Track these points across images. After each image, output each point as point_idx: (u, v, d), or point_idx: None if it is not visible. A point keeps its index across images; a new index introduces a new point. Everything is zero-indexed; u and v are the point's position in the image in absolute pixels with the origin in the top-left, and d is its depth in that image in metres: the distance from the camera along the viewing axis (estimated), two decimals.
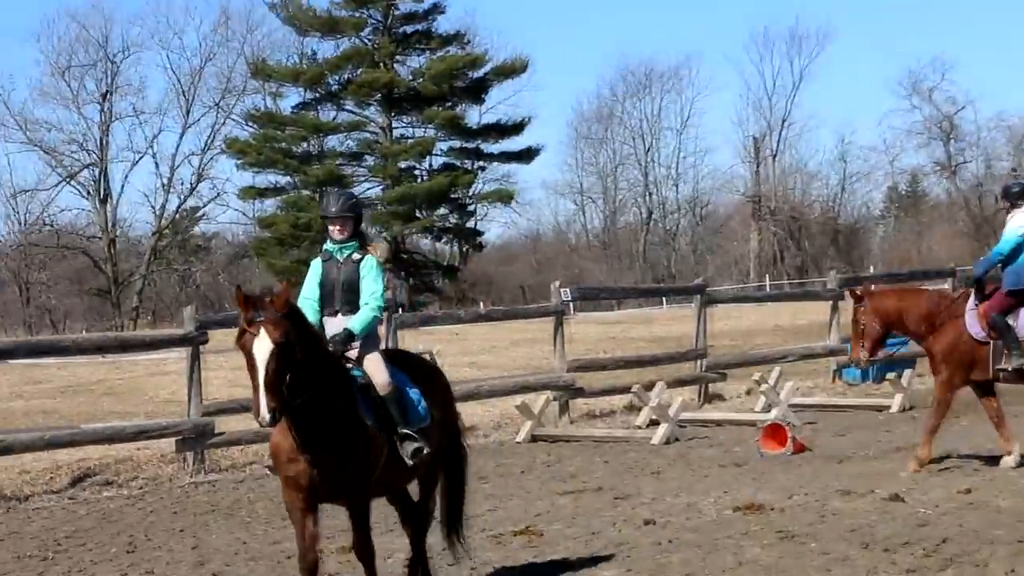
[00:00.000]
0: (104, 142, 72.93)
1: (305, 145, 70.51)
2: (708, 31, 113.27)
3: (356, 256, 8.54)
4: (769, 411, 17.16)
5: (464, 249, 73.18)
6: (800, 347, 23.27)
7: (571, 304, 20.54)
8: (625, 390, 18.69)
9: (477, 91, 70.00)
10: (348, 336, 8.21)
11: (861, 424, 17.18)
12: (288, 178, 69.83)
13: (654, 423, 16.94)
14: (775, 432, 14.90)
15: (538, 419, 17.19)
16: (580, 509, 11.81)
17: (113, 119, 73.32)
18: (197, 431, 15.40)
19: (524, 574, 9.26)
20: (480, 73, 69.45)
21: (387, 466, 8.05)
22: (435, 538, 9.00)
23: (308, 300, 8.50)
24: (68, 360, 32.21)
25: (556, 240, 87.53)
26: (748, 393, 20.21)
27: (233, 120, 74.15)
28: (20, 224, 74.89)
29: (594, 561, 9.52)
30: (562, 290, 19.75)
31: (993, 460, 13.09)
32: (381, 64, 67.84)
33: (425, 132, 69.28)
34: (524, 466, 14.79)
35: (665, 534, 10.37)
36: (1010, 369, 12.77)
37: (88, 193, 73.71)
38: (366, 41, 68.47)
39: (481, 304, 59.55)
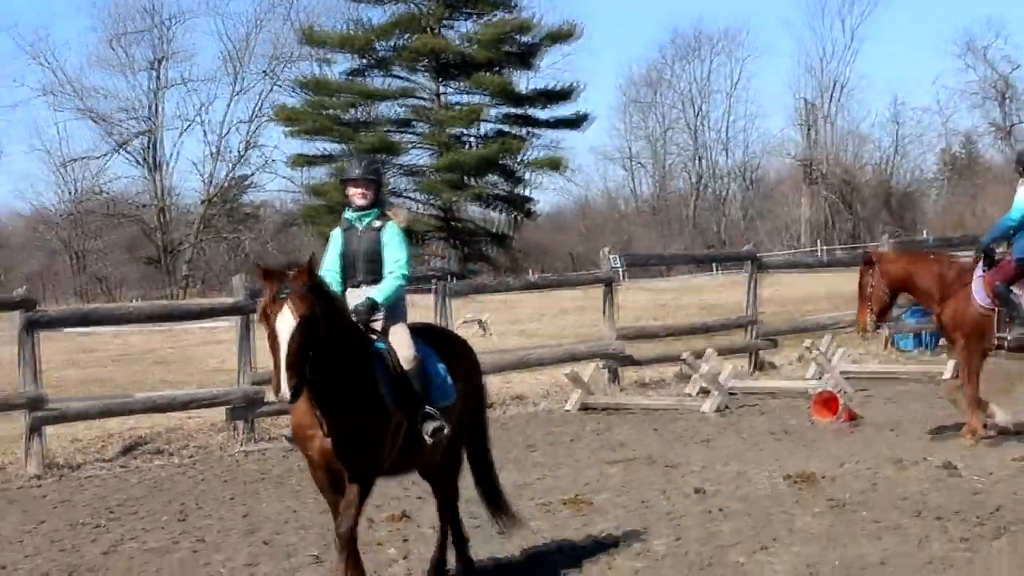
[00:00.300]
0: (155, 110, 73.42)
1: (354, 112, 70.62)
2: None
3: (377, 223, 8.26)
4: (820, 379, 17.07)
5: (515, 217, 73.12)
6: (852, 314, 23.10)
7: (621, 271, 20.48)
8: (675, 358, 18.63)
9: (527, 56, 69.80)
10: (372, 306, 7.95)
11: (914, 393, 17.06)
12: (338, 146, 69.94)
13: (704, 392, 16.88)
14: (826, 400, 14.82)
15: (587, 388, 17.17)
16: (630, 478, 11.80)
17: (165, 87, 73.74)
18: (247, 400, 15.48)
19: (573, 543, 9.26)
20: (530, 38, 69.28)
21: (406, 444, 7.76)
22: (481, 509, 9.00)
23: (330, 272, 8.19)
24: (121, 329, 32.49)
25: (606, 207, 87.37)
26: (799, 361, 20.10)
27: (282, 87, 74.45)
28: (71, 193, 75.50)
29: (644, 530, 9.52)
30: (611, 257, 19.70)
31: None
32: (430, 29, 67.79)
33: (475, 99, 69.24)
34: (573, 435, 14.79)
35: (715, 503, 10.35)
36: (1010, 339, 12.64)
37: (140, 161, 74.24)
38: (416, 6, 68.39)
39: (531, 272, 59.53)
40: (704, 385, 16.99)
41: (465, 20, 69.59)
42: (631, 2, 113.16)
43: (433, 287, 17.66)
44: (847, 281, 40.08)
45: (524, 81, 72.15)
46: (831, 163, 78.93)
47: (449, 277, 18.10)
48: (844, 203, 78.27)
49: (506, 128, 70.15)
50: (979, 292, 12.73)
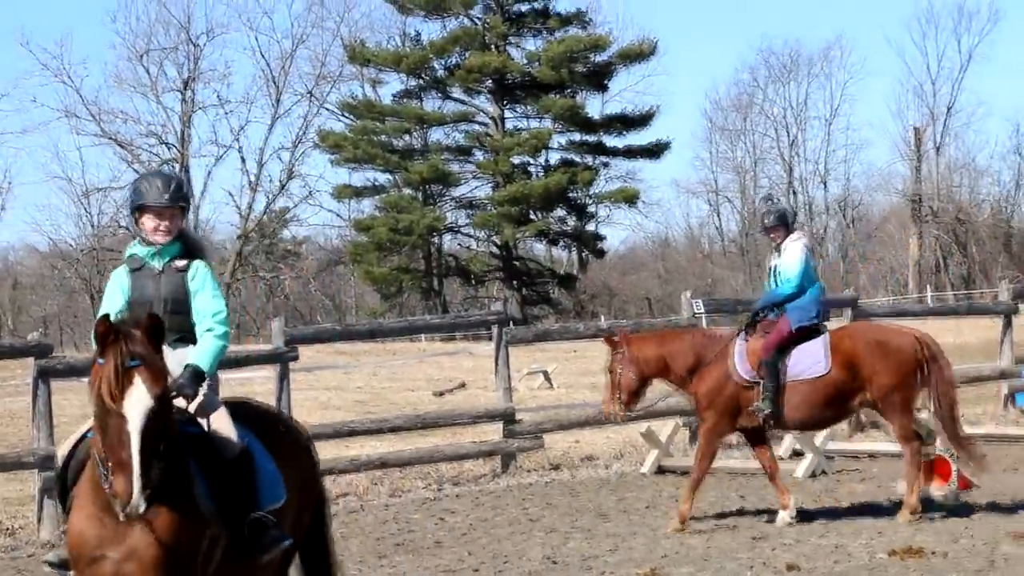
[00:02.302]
0: (185, 135, 74.10)
1: (407, 138, 71.02)
2: (862, 7, 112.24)
3: (180, 263, 7.19)
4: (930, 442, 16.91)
5: (583, 256, 73.18)
6: (966, 367, 22.94)
7: (703, 317, 20.39)
8: None
9: (599, 77, 70.00)
10: (196, 376, 6.82)
11: None
12: (387, 176, 70.31)
13: (797, 454, 16.79)
14: (937, 466, 14.70)
15: (665, 448, 17.13)
16: (712, 550, 11.76)
17: (195, 109, 74.52)
18: None
19: None
20: (603, 57, 69.45)
21: (225, 564, 6.63)
22: None
23: None
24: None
25: (687, 246, 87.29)
26: None
27: (327, 110, 74.99)
28: (92, 227, 76.37)
29: None
30: (694, 302, 19.67)
31: None
32: (492, 47, 68.11)
33: (541, 124, 69.43)
34: (649, 500, 14.76)
35: None
36: (766, 411, 12.78)
37: None
38: (476, 21, 68.79)
39: (602, 318, 59.50)
40: (798, 446, 16.91)
41: (532, 37, 69.89)
42: (716, 18, 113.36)
43: (491, 334, 17.73)
44: (958, 330, 39.84)
45: (596, 105, 72.47)
46: (943, 199, 78.50)
47: (509, 322, 18.15)
48: (957, 244, 77.76)
49: (575, 157, 70.25)
50: (741, 364, 12.92)
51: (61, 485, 6.89)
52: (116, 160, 70.86)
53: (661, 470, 16.86)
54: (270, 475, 6.85)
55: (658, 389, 14.28)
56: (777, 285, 13.16)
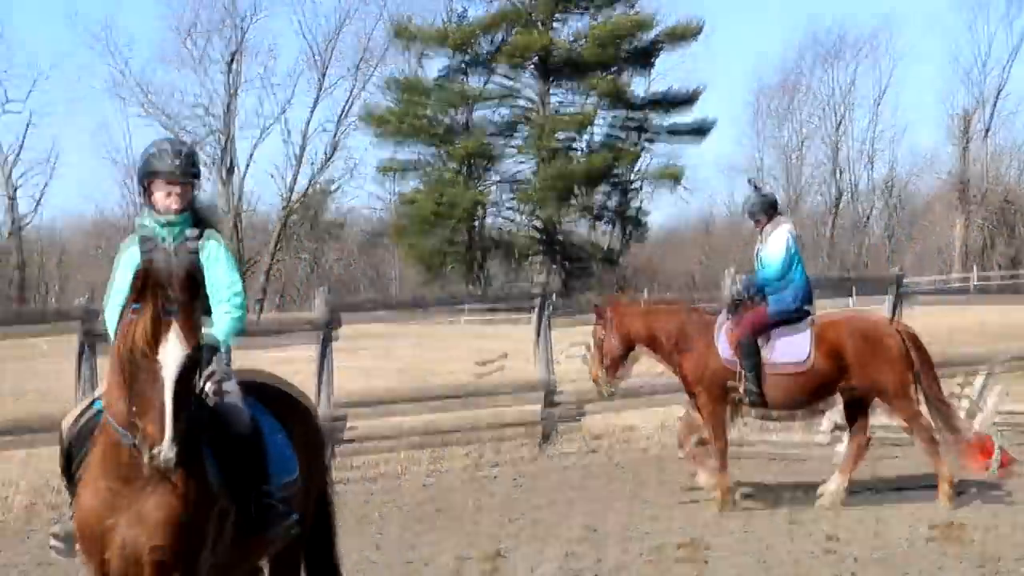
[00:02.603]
0: (230, 110, 74.31)
1: (451, 115, 70.93)
2: None
3: (192, 236, 6.77)
4: (972, 421, 16.84)
5: (626, 235, 72.95)
6: (1012, 348, 22.78)
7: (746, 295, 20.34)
8: None
9: (644, 57, 69.71)
10: (211, 351, 6.55)
11: None
12: (432, 152, 70.25)
13: (838, 431, 16.74)
14: (979, 445, 14.64)
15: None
16: (752, 525, 11.76)
17: (240, 85, 74.70)
18: (327, 427, 15.63)
19: None
20: (648, 37, 69.19)
21: (234, 542, 6.43)
22: None
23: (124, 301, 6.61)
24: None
25: (730, 226, 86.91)
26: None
27: (371, 88, 75.02)
28: (136, 204, 76.67)
29: None
30: (737, 279, 19.60)
31: None
32: (538, 26, 67.96)
33: (585, 103, 69.23)
34: (689, 476, 14.74)
35: (848, 555, 10.30)
36: (743, 392, 12.88)
37: (212, 165, 75.19)
38: (521, 0, 68.62)
39: (644, 295, 59.36)
40: (839, 424, 16.84)
41: (578, 15, 69.67)
42: None
43: (533, 308, 17.73)
44: (1004, 312, 39.60)
45: (641, 84, 72.17)
46: (990, 182, 77.93)
47: (551, 297, 18.14)
48: (1004, 226, 77.19)
49: (619, 136, 70.03)
50: (723, 345, 13.00)
51: (65, 459, 6.66)
52: (162, 134, 70.92)
53: (702, 443, 16.83)
54: (280, 450, 6.71)
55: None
56: (761, 270, 13.19)
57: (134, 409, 5.94)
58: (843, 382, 12.96)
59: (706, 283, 66.60)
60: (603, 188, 69.69)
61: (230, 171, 74.45)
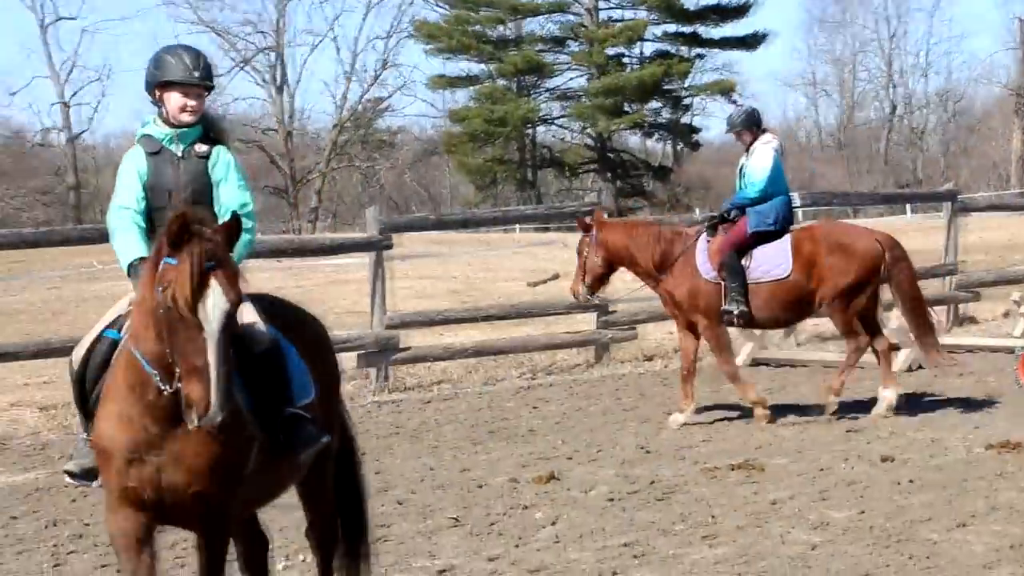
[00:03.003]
0: (281, 23, 74.20)
1: (502, 29, 70.60)
2: None
3: (202, 148, 6.63)
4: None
5: (678, 148, 72.69)
6: None
7: (800, 211, 20.24)
8: None
9: None
10: None
11: None
12: (482, 66, 70.04)
13: (893, 347, 16.65)
14: None
15: (760, 341, 17.07)
16: (806, 442, 11.74)
17: None
18: (380, 345, 15.70)
19: (742, 512, 9.23)
20: None
21: (261, 466, 6.15)
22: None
23: (128, 212, 6.50)
24: (243, 264, 33.04)
25: (784, 139, 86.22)
26: (1005, 316, 19.74)
27: (421, 2, 74.65)
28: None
29: (822, 500, 9.47)
30: (790, 195, 19.46)
31: None
32: None
33: (636, 14, 68.69)
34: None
35: (905, 473, 10.24)
36: (736, 312, 12.84)
37: (263, 80, 75.21)
38: None
39: (697, 210, 59.15)
40: (893, 340, 16.76)
41: None
42: None
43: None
44: None
45: None
46: None
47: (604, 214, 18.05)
48: None
49: (671, 48, 69.54)
50: (703, 264, 12.95)
51: (79, 389, 6.36)
52: (213, 48, 70.94)
53: (755, 363, 16.81)
54: (298, 369, 6.39)
55: None
56: (743, 188, 13.10)
57: (175, 368, 5.61)
58: (819, 294, 12.93)
59: None
60: (655, 102, 69.32)
61: (280, 87, 74.42)
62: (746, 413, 13.28)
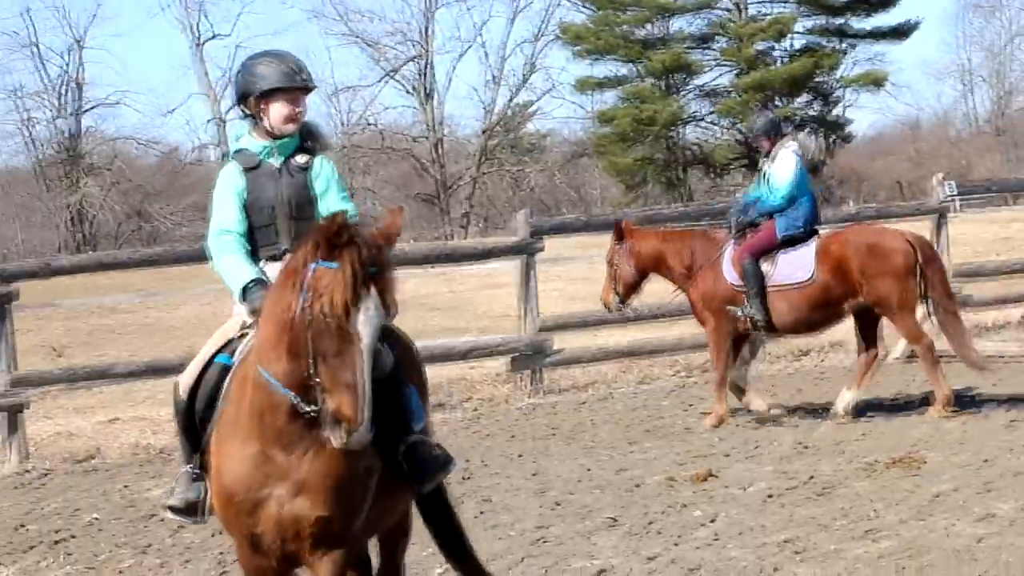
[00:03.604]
0: (428, 32, 74.73)
1: (648, 28, 70.36)
2: None
3: (301, 159, 6.24)
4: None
5: (829, 141, 71.79)
6: None
7: (955, 201, 19.91)
8: (1021, 300, 18.04)
9: None
10: None
11: None
12: (629, 66, 69.85)
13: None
14: None
15: None
16: (968, 434, 11.55)
17: (437, 6, 74.98)
18: (533, 348, 15.74)
19: (904, 506, 9.10)
20: None
21: (379, 498, 5.82)
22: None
23: (231, 235, 6.13)
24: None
25: (937, 129, 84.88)
26: None
27: (568, 3, 74.68)
28: (341, 124, 77.69)
29: (987, 493, 9.30)
30: (945, 184, 19.17)
31: None
32: None
33: (783, 9, 68.08)
34: (899, 387, 14.52)
35: None
36: (758, 318, 12.75)
37: (412, 89, 75.80)
38: None
39: (850, 203, 58.48)
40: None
41: None
42: None
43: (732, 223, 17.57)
44: None
45: None
46: None
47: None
48: None
49: (819, 41, 68.78)
50: (729, 270, 12.90)
51: (186, 418, 6.01)
52: (363, 59, 71.70)
53: (912, 356, 16.54)
54: (411, 393, 6.02)
55: None
56: (769, 193, 13.07)
57: (317, 380, 5.27)
58: (850, 298, 12.80)
59: (913, 189, 65.33)
60: (804, 96, 68.65)
61: (429, 95, 74.96)
62: (905, 406, 13.12)
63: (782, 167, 13.04)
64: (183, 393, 6.03)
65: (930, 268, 12.89)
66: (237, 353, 5.91)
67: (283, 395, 5.43)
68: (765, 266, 12.87)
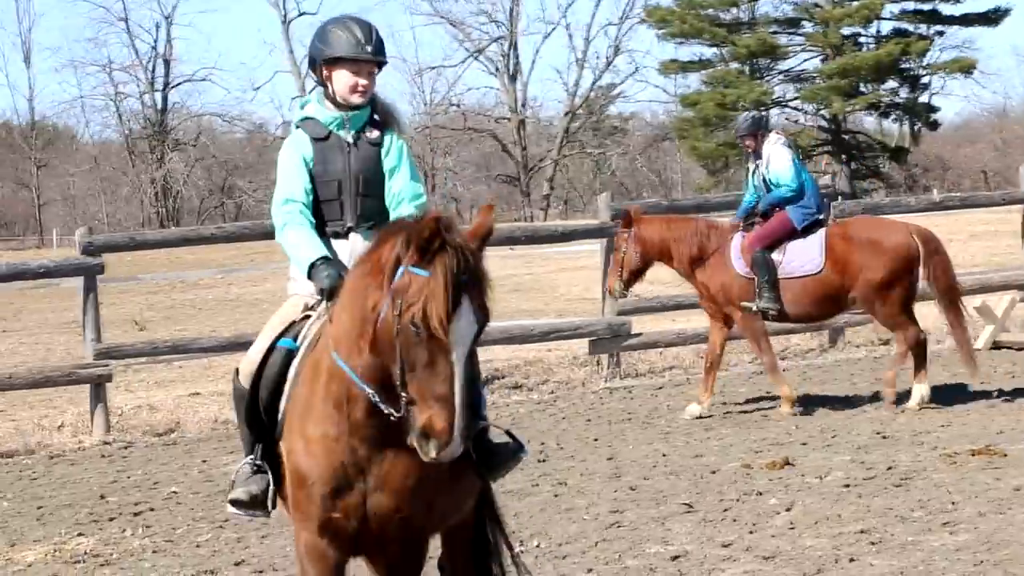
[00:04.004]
0: (514, 13, 74.72)
1: (734, 11, 69.94)
2: None
3: (373, 134, 5.96)
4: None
5: (915, 128, 71.03)
6: None
7: None
8: None
9: None
10: None
11: None
12: (714, 50, 69.51)
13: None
14: None
15: (1001, 324, 16.63)
16: None
17: None
18: (611, 332, 15.72)
19: (984, 499, 9.01)
20: None
21: (446, 487, 5.49)
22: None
23: (296, 205, 5.82)
24: None
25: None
26: None
27: None
28: (425, 104, 77.93)
29: None
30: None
31: None
32: None
33: None
34: (983, 376, 14.35)
35: None
36: (771, 309, 12.74)
37: (496, 70, 75.87)
38: None
39: (935, 191, 57.92)
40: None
41: None
42: None
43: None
44: None
45: None
46: None
47: (837, 197, 17.81)
48: None
49: (907, 26, 68.07)
50: (737, 259, 12.89)
51: (249, 407, 5.69)
52: (447, 39, 71.90)
53: (996, 346, 16.39)
54: (479, 381, 5.65)
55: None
56: (769, 190, 13.15)
57: (407, 389, 4.98)
58: (851, 291, 12.89)
59: (998, 178, 64.60)
60: (891, 81, 67.98)
61: (513, 76, 74.99)
62: (986, 397, 12.98)
63: (778, 160, 13.19)
64: (245, 381, 5.75)
65: (932, 261, 12.92)
66: (300, 337, 5.67)
67: (361, 389, 5.21)
68: (775, 256, 12.92)
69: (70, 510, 10.57)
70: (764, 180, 13.30)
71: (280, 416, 5.58)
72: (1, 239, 72.41)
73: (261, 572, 8.47)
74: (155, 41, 75.08)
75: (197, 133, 75.83)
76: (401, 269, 4.99)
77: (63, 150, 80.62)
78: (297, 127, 6.01)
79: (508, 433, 5.79)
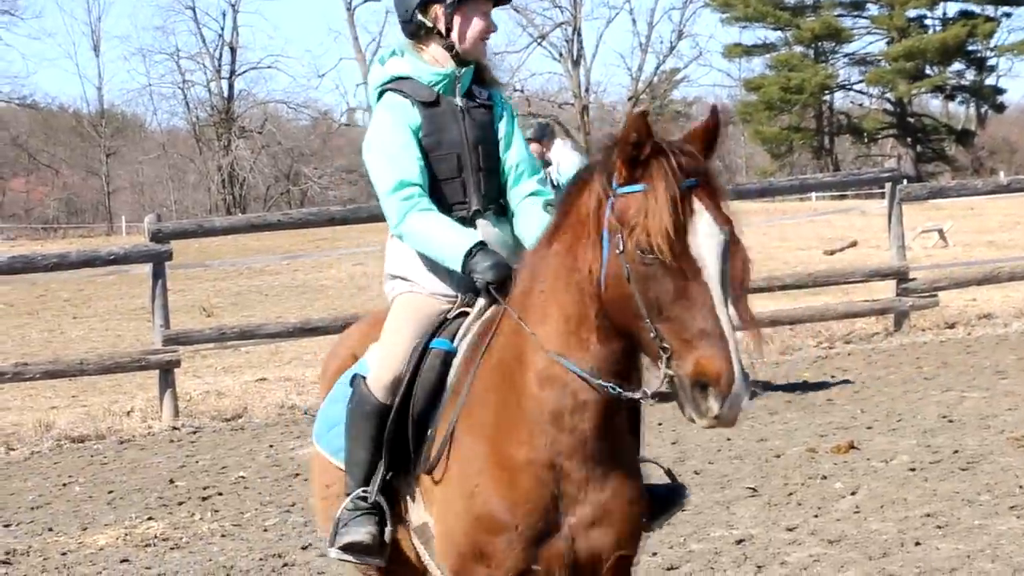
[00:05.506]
0: None
1: None
2: None
3: (482, 94, 4.87)
4: None
5: (981, 110, 70.52)
6: None
7: None
8: None
9: None
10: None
11: None
12: (778, 33, 69.25)
13: None
14: None
15: None
16: None
17: None
18: None
19: None
20: None
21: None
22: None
23: (414, 188, 4.69)
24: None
25: None
26: None
27: None
28: None
29: None
30: None
31: None
32: None
33: None
34: None
35: None
36: None
37: (560, 55, 75.79)
38: None
39: (1001, 174, 57.40)
40: None
41: None
42: None
43: (884, 192, 17.35)
44: None
45: None
46: None
47: (902, 180, 17.68)
48: None
49: (974, 8, 67.53)
50: None
51: (378, 425, 4.63)
52: (511, 25, 71.90)
53: None
54: None
55: None
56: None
57: (664, 345, 4.01)
58: None
59: None
60: (957, 64, 67.46)
61: (576, 61, 74.90)
62: None
63: (568, 162, 12.72)
64: (381, 393, 4.66)
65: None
66: (457, 338, 4.64)
67: (598, 389, 4.23)
68: None
69: (140, 494, 10.68)
70: (555, 184, 13.08)
71: (428, 437, 4.54)
72: (71, 226, 73.00)
73: (327, 556, 8.50)
74: (221, 29, 75.43)
75: (263, 120, 76.13)
76: (609, 201, 4.09)
77: (132, 138, 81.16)
78: (392, 91, 4.83)
79: (668, 473, 4.77)
